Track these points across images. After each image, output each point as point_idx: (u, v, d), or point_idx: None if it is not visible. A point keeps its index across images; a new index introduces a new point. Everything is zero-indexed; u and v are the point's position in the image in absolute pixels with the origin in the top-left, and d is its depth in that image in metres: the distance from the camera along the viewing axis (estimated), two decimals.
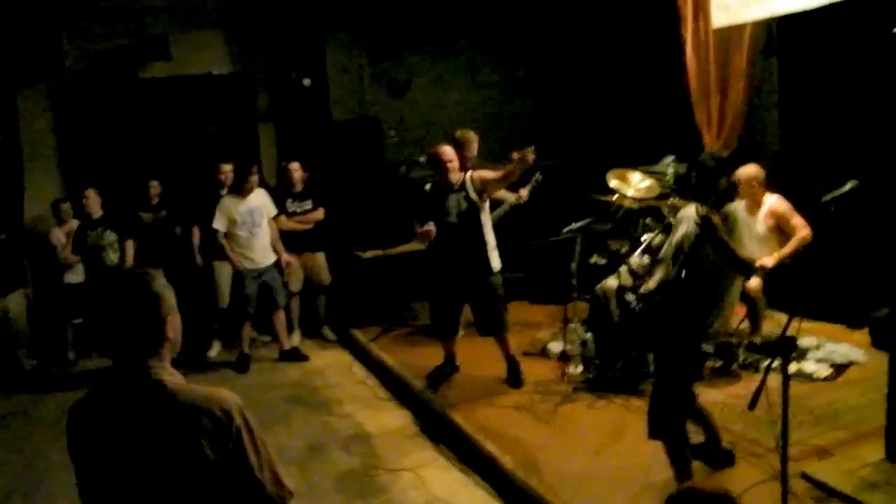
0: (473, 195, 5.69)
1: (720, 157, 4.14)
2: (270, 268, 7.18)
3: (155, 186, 7.95)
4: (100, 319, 2.07)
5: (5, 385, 7.07)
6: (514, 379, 5.87)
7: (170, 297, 2.10)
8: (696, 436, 4.33)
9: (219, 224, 7.06)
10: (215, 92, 8.78)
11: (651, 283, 4.33)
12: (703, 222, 3.76)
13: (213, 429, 1.94)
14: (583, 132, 9.14)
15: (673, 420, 3.93)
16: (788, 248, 5.75)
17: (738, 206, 5.99)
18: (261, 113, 9.04)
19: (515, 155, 5.52)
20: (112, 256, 7.43)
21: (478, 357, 6.24)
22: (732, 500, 2.23)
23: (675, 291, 4.01)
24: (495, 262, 5.81)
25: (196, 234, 7.42)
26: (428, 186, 5.94)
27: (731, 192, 4.18)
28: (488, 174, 5.75)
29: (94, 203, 7.44)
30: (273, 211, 7.31)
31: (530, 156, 5.32)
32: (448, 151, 5.77)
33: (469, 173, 5.78)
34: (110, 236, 7.46)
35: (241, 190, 7.11)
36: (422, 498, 4.64)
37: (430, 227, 5.76)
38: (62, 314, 7.55)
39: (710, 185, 3.98)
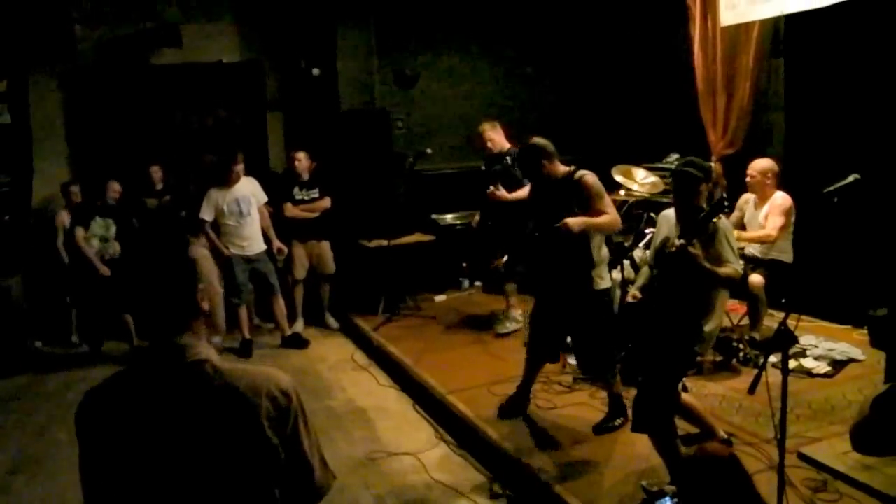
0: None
1: (702, 163, 4.09)
2: (262, 255, 7.22)
3: (156, 171, 7.99)
4: (132, 288, 1.89)
5: (10, 365, 7.12)
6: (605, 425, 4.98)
7: (205, 265, 1.95)
8: (691, 428, 4.41)
9: (205, 214, 7.08)
10: (225, 80, 8.84)
11: (635, 290, 4.36)
12: (680, 254, 3.74)
13: (273, 410, 1.80)
14: (589, 128, 9.20)
15: (658, 415, 3.96)
16: (747, 235, 5.97)
17: (750, 199, 6.10)
18: (270, 101, 9.09)
19: None
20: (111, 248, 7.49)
21: (485, 348, 6.31)
22: (736, 460, 2.31)
23: (660, 294, 4.04)
24: (600, 281, 4.82)
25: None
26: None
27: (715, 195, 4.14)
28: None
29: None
30: (263, 198, 7.34)
31: None
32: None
33: (580, 173, 4.79)
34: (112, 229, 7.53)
35: (226, 180, 7.16)
36: (422, 481, 4.69)
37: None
38: (66, 297, 7.62)
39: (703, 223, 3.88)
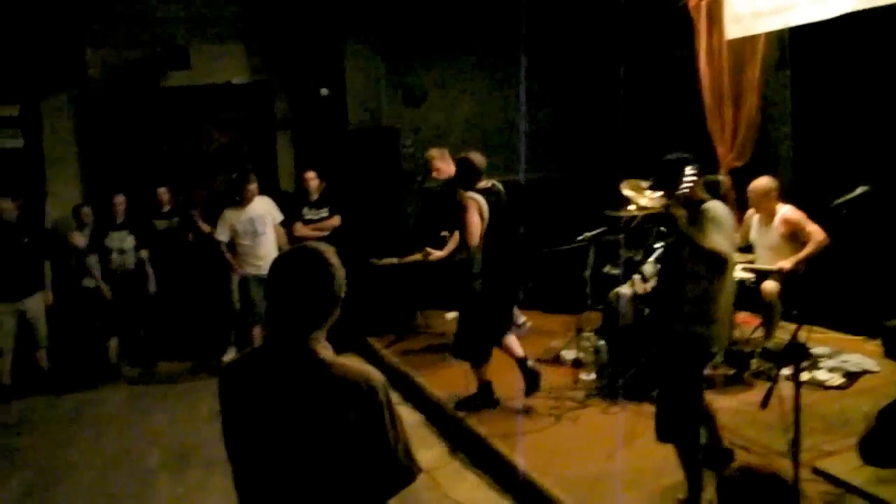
0: None
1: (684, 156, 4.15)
2: None
3: (164, 193, 8.05)
4: (273, 290, 2.16)
5: (25, 386, 7.17)
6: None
7: (342, 276, 2.18)
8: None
9: (221, 235, 7.17)
10: (234, 100, 8.91)
11: (648, 286, 4.42)
12: (665, 215, 3.85)
13: (360, 401, 2.08)
14: (597, 143, 9.21)
15: (683, 423, 3.95)
16: (805, 252, 5.83)
17: (754, 217, 6.09)
18: (279, 121, 9.16)
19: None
20: (127, 259, 7.68)
21: (497, 364, 6.25)
22: (783, 480, 2.29)
23: (660, 294, 4.13)
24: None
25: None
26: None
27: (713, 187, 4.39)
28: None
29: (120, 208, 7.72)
30: (279, 217, 7.39)
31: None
32: None
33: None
34: (129, 240, 7.68)
35: (240, 199, 7.21)
36: (436, 499, 4.69)
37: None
38: (80, 318, 7.66)
39: (672, 177, 3.97)
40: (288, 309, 2.14)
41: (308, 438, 2.09)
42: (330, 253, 2.19)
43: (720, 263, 3.86)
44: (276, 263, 2.20)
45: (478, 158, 5.63)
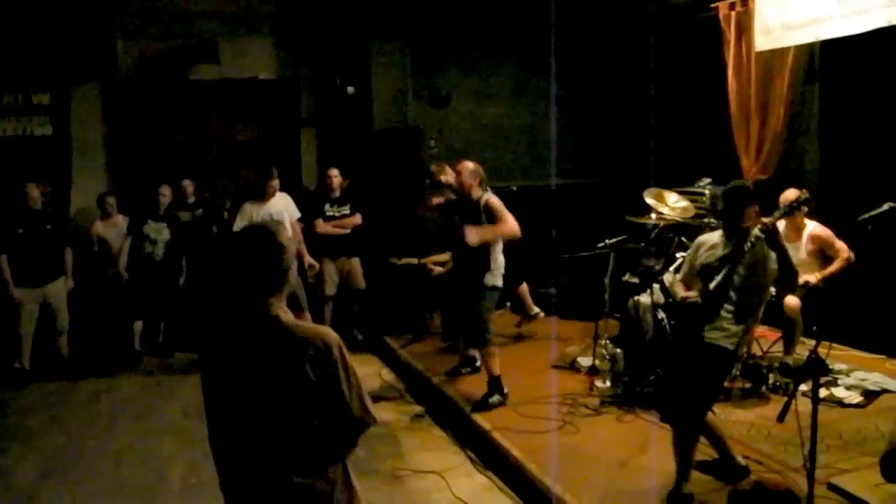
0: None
1: (746, 185, 4.28)
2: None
3: (189, 185, 8.12)
4: (231, 263, 2.47)
5: (44, 371, 7.26)
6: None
7: (291, 251, 2.46)
8: (709, 449, 4.38)
9: (239, 228, 7.19)
10: (261, 96, 8.97)
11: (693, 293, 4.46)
12: (768, 231, 3.96)
13: (316, 357, 2.33)
14: (621, 151, 9.19)
15: (693, 410, 4.06)
16: (833, 268, 5.80)
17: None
18: (304, 118, 9.20)
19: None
20: (158, 249, 7.75)
21: (512, 368, 6.28)
22: (794, 496, 2.28)
23: (707, 304, 4.15)
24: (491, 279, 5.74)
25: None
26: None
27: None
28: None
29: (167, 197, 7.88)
30: (296, 214, 7.42)
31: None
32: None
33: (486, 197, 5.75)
34: (165, 233, 7.80)
35: (262, 194, 7.24)
36: (446, 500, 4.67)
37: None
38: (102, 305, 7.74)
39: (733, 209, 4.15)
40: (246, 277, 2.43)
41: (272, 393, 2.34)
42: (280, 231, 2.48)
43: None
44: (233, 240, 2.61)
45: (482, 171, 5.82)
